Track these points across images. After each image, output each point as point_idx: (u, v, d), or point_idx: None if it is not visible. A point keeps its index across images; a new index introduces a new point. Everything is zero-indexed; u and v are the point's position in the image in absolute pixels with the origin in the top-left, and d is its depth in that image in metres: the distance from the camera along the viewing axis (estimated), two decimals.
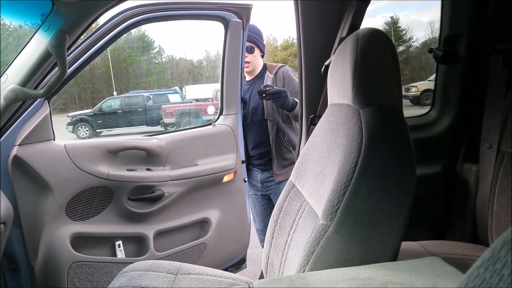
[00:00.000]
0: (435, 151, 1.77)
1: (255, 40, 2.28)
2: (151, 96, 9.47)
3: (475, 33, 1.63)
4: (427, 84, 9.27)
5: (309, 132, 1.71)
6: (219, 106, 2.29)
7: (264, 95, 2.09)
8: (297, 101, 2.10)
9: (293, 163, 2.00)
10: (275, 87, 2.16)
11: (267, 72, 2.32)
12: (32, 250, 1.75)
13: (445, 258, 1.19)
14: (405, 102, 9.42)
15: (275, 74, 2.29)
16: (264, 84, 2.24)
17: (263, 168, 2.37)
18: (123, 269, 1.44)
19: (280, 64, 2.36)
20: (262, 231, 2.48)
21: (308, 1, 1.59)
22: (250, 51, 2.27)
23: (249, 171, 2.43)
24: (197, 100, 10.09)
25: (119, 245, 1.93)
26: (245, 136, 2.37)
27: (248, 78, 2.39)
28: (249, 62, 2.29)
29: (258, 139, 2.34)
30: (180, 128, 2.03)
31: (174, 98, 9.66)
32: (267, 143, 2.30)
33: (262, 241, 2.51)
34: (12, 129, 1.67)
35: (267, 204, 2.48)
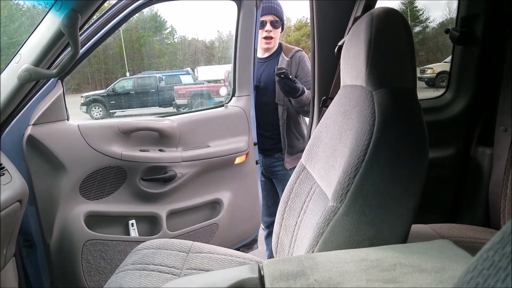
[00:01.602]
0: (449, 134, 1.74)
1: (280, 15, 2.15)
2: (164, 77, 9.47)
3: (493, 14, 1.58)
4: (443, 66, 9.07)
5: (320, 114, 1.70)
6: (231, 87, 2.28)
7: (282, 76, 1.91)
8: (305, 90, 2.02)
9: (301, 151, 1.96)
10: (293, 79, 1.98)
11: (282, 53, 2.22)
12: (47, 228, 1.80)
13: (456, 241, 1.18)
14: (420, 84, 9.25)
15: (291, 58, 2.19)
16: (280, 67, 2.07)
17: (268, 153, 2.32)
18: (136, 247, 1.48)
19: (297, 48, 2.26)
20: (265, 214, 2.46)
21: None
22: (275, 26, 2.15)
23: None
24: (209, 81, 10.06)
25: (132, 224, 1.97)
26: None
27: (262, 55, 2.28)
28: (272, 38, 2.17)
29: (263, 122, 2.27)
30: (192, 110, 2.03)
31: (186, 79, 9.64)
32: (273, 127, 2.22)
33: (264, 222, 2.50)
34: (26, 109, 1.69)
35: (270, 189, 2.43)
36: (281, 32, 2.24)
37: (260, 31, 2.18)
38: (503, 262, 0.28)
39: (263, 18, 2.14)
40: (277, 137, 2.23)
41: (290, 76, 1.95)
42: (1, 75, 1.54)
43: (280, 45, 2.26)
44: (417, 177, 0.89)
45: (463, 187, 1.74)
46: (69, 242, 1.82)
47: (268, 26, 2.15)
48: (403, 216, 0.88)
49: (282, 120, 2.18)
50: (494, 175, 1.56)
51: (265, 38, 2.18)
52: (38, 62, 1.47)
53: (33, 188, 1.73)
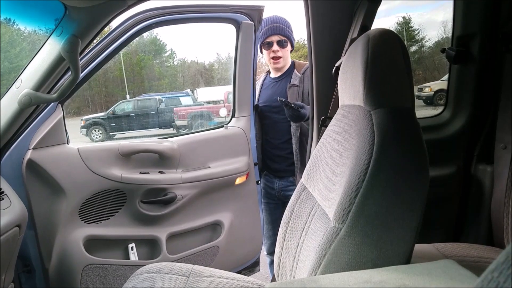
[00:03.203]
0: (449, 152, 1.74)
1: (287, 34, 2.14)
2: (163, 99, 9.54)
3: (488, 32, 1.60)
4: (441, 84, 9.15)
5: (320, 134, 1.70)
6: (231, 108, 2.29)
7: (285, 104, 1.92)
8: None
9: None
10: (296, 103, 1.97)
11: (295, 70, 2.19)
12: (46, 252, 1.78)
13: (460, 260, 1.17)
14: (418, 102, 9.31)
15: (303, 73, 2.16)
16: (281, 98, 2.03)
17: (282, 175, 2.24)
18: (136, 271, 1.45)
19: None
20: (269, 238, 2.37)
21: (318, 1, 1.59)
22: (283, 45, 2.14)
23: (264, 176, 2.33)
24: (208, 102, 10.13)
25: (132, 247, 1.94)
26: (263, 137, 2.27)
27: (274, 75, 2.26)
28: (280, 57, 2.15)
29: (278, 141, 2.21)
30: (192, 131, 2.04)
31: (186, 100, 9.71)
32: (288, 146, 2.16)
33: (267, 245, 2.41)
34: (26, 133, 1.70)
35: (279, 214, 2.27)
36: (291, 50, 2.23)
37: (267, 52, 2.17)
38: (508, 283, 0.27)
39: (268, 40, 2.14)
40: (292, 156, 2.16)
41: (293, 105, 1.93)
42: (2, 100, 1.56)
43: (293, 62, 2.24)
44: (418, 196, 0.88)
45: (465, 206, 1.72)
46: (68, 267, 1.79)
47: (275, 46, 2.13)
48: (406, 236, 0.87)
49: (295, 137, 2.13)
50: (495, 193, 1.55)
51: (273, 58, 2.16)
52: (39, 87, 1.49)
53: (32, 213, 1.72)
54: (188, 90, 10.66)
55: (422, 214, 0.88)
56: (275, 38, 2.13)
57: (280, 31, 2.12)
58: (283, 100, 1.93)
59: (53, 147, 1.77)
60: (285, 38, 2.13)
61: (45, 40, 1.45)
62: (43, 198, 1.76)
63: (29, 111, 1.63)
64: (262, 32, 2.15)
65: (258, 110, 2.28)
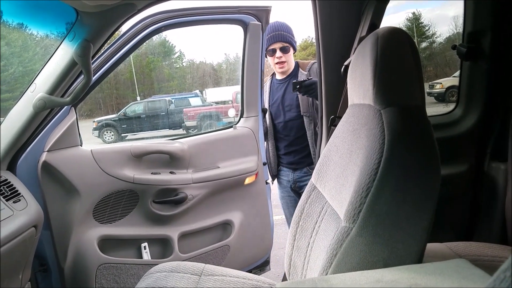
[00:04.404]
0: (461, 150, 1.73)
1: (289, 40, 2.22)
2: (173, 100, 9.61)
3: (500, 28, 1.58)
4: (452, 80, 9.05)
5: (329, 133, 1.70)
6: (240, 108, 2.30)
7: (298, 86, 2.03)
8: None
9: None
10: (309, 78, 2.08)
11: (300, 70, 2.28)
12: (62, 252, 1.81)
13: (473, 260, 1.16)
14: (430, 99, 9.21)
15: (308, 71, 2.24)
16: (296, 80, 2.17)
17: (295, 167, 2.30)
18: (149, 271, 1.47)
19: (313, 61, 2.30)
20: None
21: (327, 1, 1.59)
22: (286, 51, 2.22)
23: (280, 171, 2.39)
24: (217, 102, 10.16)
25: (144, 247, 1.97)
26: (276, 136, 2.33)
27: (280, 76, 2.33)
28: (284, 62, 2.24)
29: (292, 137, 2.27)
30: (202, 132, 2.06)
31: (195, 101, 9.77)
32: (301, 141, 2.24)
33: None
34: (41, 136, 1.73)
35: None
36: (294, 52, 2.30)
37: (271, 58, 2.26)
38: None
39: (272, 47, 2.21)
40: (306, 149, 2.24)
41: (302, 80, 2.04)
42: (17, 104, 1.59)
43: (296, 63, 2.32)
44: (430, 195, 0.88)
45: (478, 204, 1.71)
46: (83, 267, 1.82)
47: (278, 53, 2.22)
48: (417, 235, 0.87)
49: (309, 131, 2.20)
50: (509, 191, 1.53)
51: (277, 63, 2.25)
52: (53, 91, 1.52)
53: (48, 213, 1.75)
54: (197, 91, 10.72)
55: (433, 213, 0.88)
56: (277, 46, 2.21)
57: (282, 38, 2.19)
58: (295, 82, 2.05)
59: (67, 149, 1.80)
60: (287, 44, 2.22)
61: (58, 44, 1.48)
62: (58, 199, 1.79)
63: (44, 115, 1.66)
64: (265, 39, 2.22)
65: (270, 111, 2.32)
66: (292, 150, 2.29)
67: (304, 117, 2.20)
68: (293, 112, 2.24)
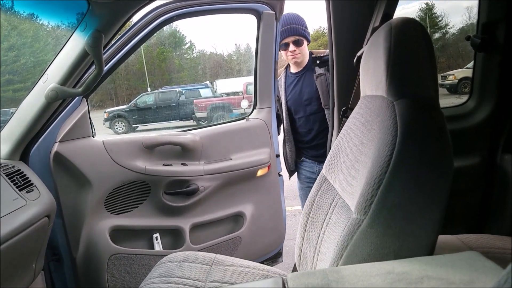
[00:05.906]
0: (473, 142, 1.70)
1: (302, 32, 2.17)
2: (184, 91, 9.64)
3: None
4: (465, 72, 8.90)
5: (341, 125, 1.69)
6: (252, 99, 2.29)
7: (318, 62, 2.03)
8: None
9: None
10: (321, 56, 2.08)
11: None
12: (74, 242, 1.84)
13: (485, 252, 1.15)
14: (442, 90, 9.08)
15: None
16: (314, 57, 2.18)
17: (320, 160, 2.24)
18: (160, 260, 1.49)
19: (328, 50, 2.22)
20: None
21: None
22: (299, 44, 2.17)
23: (301, 163, 2.35)
24: (227, 94, 10.17)
25: (156, 237, 1.99)
26: (297, 131, 2.28)
27: (295, 70, 2.28)
28: (299, 53, 2.19)
29: (315, 131, 2.23)
30: (214, 123, 2.05)
31: (205, 92, 9.79)
32: (324, 134, 2.17)
33: None
34: (53, 127, 1.75)
35: None
36: (308, 43, 2.25)
37: (284, 52, 2.20)
38: None
39: (285, 41, 2.16)
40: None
41: (321, 55, 2.09)
42: (30, 94, 1.61)
43: (311, 54, 2.26)
44: (442, 187, 0.87)
45: (490, 196, 1.69)
46: (94, 257, 1.85)
47: (291, 47, 2.16)
48: (429, 227, 0.86)
49: (331, 122, 2.17)
50: None
51: (292, 56, 2.20)
52: (65, 81, 1.53)
53: (60, 204, 1.77)
54: (208, 82, 10.73)
55: (445, 206, 0.87)
56: (291, 39, 2.16)
57: (295, 31, 2.15)
58: (313, 56, 2.15)
59: (79, 140, 1.82)
60: (300, 38, 2.17)
61: (70, 35, 1.49)
62: (70, 189, 1.81)
63: (56, 105, 1.67)
64: (278, 32, 2.17)
65: (288, 106, 2.27)
66: (317, 144, 2.25)
67: (325, 110, 2.15)
68: (314, 106, 2.19)
